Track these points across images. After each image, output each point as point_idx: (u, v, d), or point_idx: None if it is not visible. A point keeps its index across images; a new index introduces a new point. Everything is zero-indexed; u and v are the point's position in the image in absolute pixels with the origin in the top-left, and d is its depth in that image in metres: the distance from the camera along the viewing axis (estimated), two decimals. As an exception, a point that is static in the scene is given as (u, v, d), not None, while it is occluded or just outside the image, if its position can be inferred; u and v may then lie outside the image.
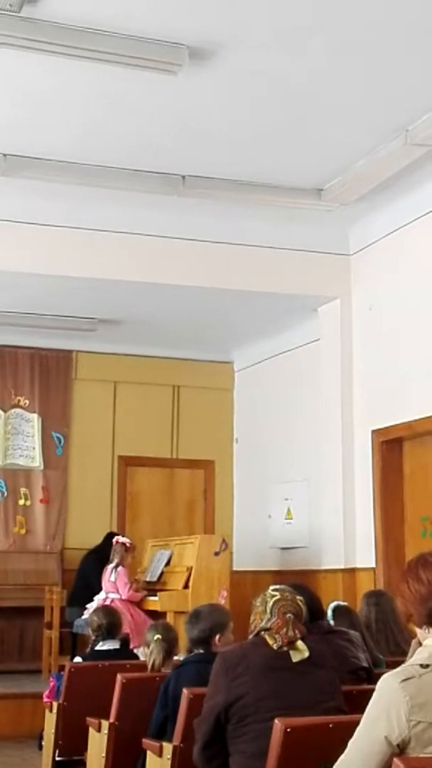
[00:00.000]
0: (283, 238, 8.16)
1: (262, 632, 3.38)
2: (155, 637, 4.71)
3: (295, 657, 3.32)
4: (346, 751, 2.47)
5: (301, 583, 4.60)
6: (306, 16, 5.13)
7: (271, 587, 3.54)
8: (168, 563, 8.33)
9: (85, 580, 8.84)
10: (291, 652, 3.33)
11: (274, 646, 3.32)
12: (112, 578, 7.98)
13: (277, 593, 3.46)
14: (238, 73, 5.71)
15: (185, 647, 4.94)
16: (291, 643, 3.34)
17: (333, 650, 3.80)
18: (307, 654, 3.34)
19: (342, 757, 2.47)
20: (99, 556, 8.82)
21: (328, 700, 3.30)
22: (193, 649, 4.22)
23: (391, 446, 7.88)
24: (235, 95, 6.00)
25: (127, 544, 8.20)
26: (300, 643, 3.35)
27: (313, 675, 3.33)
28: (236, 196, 7.30)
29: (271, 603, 3.41)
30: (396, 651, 4.91)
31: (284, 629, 3.34)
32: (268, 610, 3.39)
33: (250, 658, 3.31)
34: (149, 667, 4.67)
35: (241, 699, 3.24)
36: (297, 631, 3.36)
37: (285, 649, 3.33)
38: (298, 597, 3.48)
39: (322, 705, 3.26)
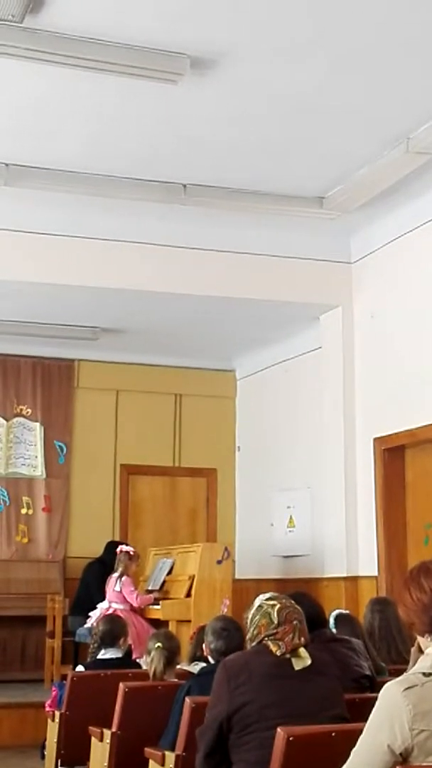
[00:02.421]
0: (285, 247, 8.16)
1: (266, 639, 3.36)
2: (156, 646, 4.71)
3: (297, 665, 3.31)
4: (348, 760, 2.46)
5: (304, 592, 4.60)
6: (307, 26, 5.14)
7: (264, 597, 3.48)
8: (170, 572, 8.31)
9: (87, 589, 8.83)
10: (293, 660, 3.31)
11: (278, 653, 3.31)
12: (117, 588, 7.94)
13: (274, 601, 3.43)
14: (239, 82, 5.72)
15: (186, 656, 4.95)
16: (294, 651, 3.32)
17: (335, 658, 3.79)
18: (309, 662, 3.32)
19: (345, 766, 2.47)
20: (102, 566, 8.80)
21: (330, 709, 3.29)
22: (211, 660, 4.20)
23: (393, 454, 7.88)
24: (236, 104, 6.01)
25: (131, 553, 8.17)
26: (302, 651, 3.33)
27: (316, 683, 3.32)
28: (238, 204, 7.31)
29: (275, 611, 3.37)
30: (398, 659, 4.90)
31: (290, 635, 3.33)
32: (275, 619, 3.36)
33: (252, 666, 3.30)
34: (150, 675, 4.67)
35: (243, 708, 3.23)
36: (303, 638, 3.35)
37: (287, 656, 3.31)
38: (293, 602, 3.48)
39: (325, 713, 3.25)
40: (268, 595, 3.52)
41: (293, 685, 3.27)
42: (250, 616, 3.46)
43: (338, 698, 3.38)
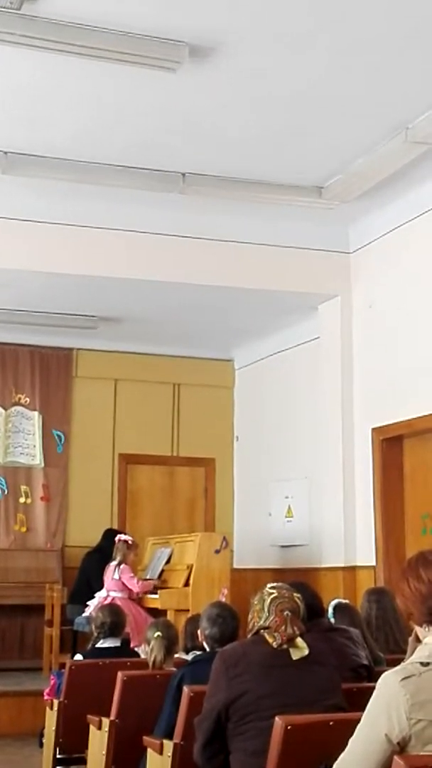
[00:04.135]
0: (284, 236, 8.15)
1: (262, 631, 3.37)
2: (156, 635, 4.72)
3: (295, 655, 3.31)
4: (346, 749, 2.47)
5: (302, 581, 4.60)
6: (306, 14, 5.12)
7: (269, 585, 3.52)
8: (168, 561, 8.32)
9: (86, 578, 8.84)
10: (291, 650, 3.32)
11: (274, 644, 3.31)
12: (116, 576, 7.96)
13: (274, 591, 3.45)
14: (238, 71, 5.71)
15: (181, 647, 4.95)
16: (291, 641, 3.33)
17: (333, 648, 3.80)
18: (306, 651, 3.33)
19: (342, 755, 2.47)
20: (101, 555, 8.81)
21: (328, 698, 3.29)
22: (207, 647, 4.20)
23: (391, 444, 7.88)
24: (234, 93, 6.00)
25: (130, 542, 8.19)
26: (299, 641, 3.34)
27: (314, 673, 3.32)
28: (236, 193, 7.30)
29: (269, 601, 3.39)
30: (396, 649, 4.91)
31: (283, 627, 3.33)
32: (266, 609, 3.38)
33: (250, 656, 3.31)
34: (150, 664, 4.68)
35: (241, 697, 3.24)
36: (296, 628, 3.35)
37: (285, 646, 3.32)
38: (295, 594, 3.47)
39: (323, 703, 3.25)
40: (274, 584, 3.55)
41: (291, 674, 3.28)
42: (254, 601, 3.48)
43: (336, 688, 3.38)
